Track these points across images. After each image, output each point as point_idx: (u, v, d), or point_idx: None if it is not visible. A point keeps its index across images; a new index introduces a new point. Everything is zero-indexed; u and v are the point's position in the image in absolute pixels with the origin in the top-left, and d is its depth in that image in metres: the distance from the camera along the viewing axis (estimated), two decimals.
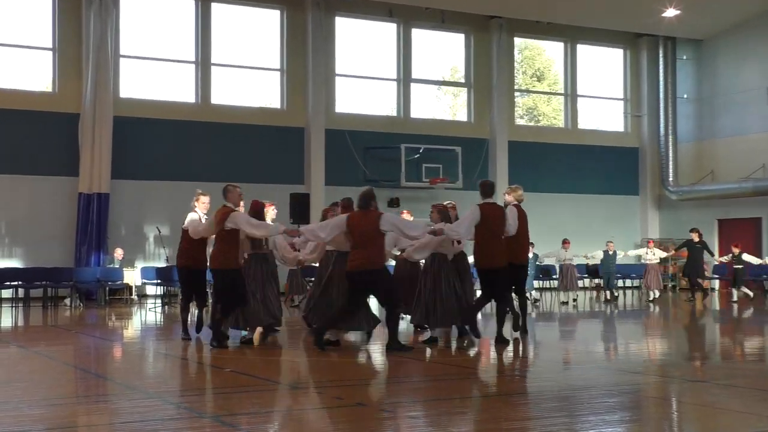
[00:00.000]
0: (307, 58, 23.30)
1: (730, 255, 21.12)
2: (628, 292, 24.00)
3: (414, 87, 25.05)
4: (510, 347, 11.01)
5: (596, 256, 21.32)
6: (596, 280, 23.16)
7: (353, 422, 6.66)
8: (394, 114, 24.86)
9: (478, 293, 11.65)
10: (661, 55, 27.38)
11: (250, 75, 23.49)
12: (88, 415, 7.00)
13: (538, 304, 20.01)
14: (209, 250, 11.44)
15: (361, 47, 24.49)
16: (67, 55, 21.09)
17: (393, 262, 12.87)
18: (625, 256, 21.87)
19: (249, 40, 23.33)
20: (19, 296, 18.81)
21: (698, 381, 8.91)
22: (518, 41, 27.12)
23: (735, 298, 20.73)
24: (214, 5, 22.69)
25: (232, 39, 23.00)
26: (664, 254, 22.14)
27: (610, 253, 20.94)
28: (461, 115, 26.40)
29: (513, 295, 12.08)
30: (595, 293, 23.52)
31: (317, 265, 12.26)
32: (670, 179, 27.10)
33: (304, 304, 13.23)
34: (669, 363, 10.43)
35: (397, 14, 24.39)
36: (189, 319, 12.24)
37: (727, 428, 6.66)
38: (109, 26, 20.98)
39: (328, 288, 11.42)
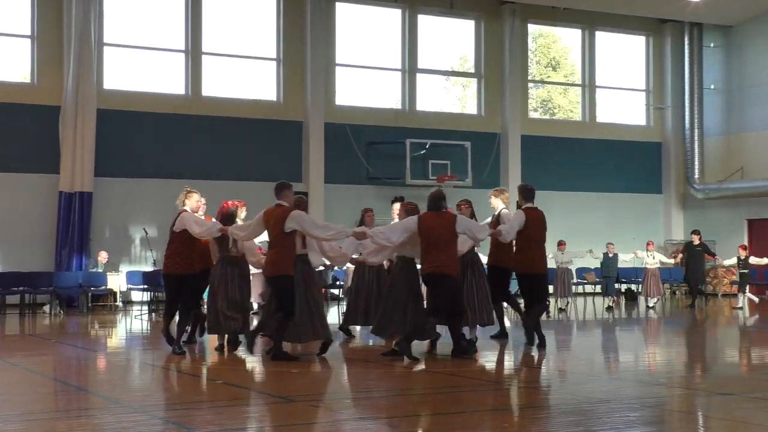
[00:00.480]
0: (305, 47, 23.30)
1: (736, 258, 21.04)
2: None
3: (420, 78, 25.04)
4: (530, 354, 11.03)
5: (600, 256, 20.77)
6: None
7: None
8: (399, 107, 24.87)
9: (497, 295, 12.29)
10: (686, 42, 27.36)
11: (244, 65, 23.50)
12: (69, 430, 7.00)
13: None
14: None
15: (364, 35, 24.50)
16: (47, 43, 21.09)
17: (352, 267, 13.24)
18: (635, 257, 21.26)
19: (243, 27, 23.33)
20: None
21: (726, 394, 8.88)
22: (532, 28, 27.11)
23: (740, 305, 20.59)
24: None
25: (225, 26, 23.01)
26: (665, 258, 21.74)
27: (611, 255, 20.58)
28: (471, 107, 26.40)
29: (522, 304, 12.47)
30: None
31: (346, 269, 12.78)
32: (696, 176, 27.07)
33: (343, 315, 13.64)
34: (681, 373, 10.44)
35: None
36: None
37: None
38: (92, 12, 20.98)
39: (398, 296, 11.21)
